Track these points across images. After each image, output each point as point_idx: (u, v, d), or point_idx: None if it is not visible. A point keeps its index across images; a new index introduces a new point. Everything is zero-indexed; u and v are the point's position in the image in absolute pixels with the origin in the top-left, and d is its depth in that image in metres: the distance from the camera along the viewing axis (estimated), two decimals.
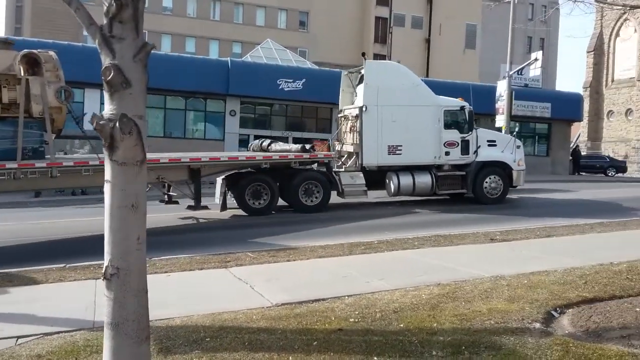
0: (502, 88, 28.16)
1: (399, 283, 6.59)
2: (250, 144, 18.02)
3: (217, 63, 26.87)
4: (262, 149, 15.70)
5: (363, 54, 16.75)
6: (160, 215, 12.86)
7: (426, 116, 15.38)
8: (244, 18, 47.23)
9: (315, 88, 26.52)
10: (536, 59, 29.32)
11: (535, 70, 30.57)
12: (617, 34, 47.21)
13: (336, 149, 16.66)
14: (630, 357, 4.08)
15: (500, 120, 27.25)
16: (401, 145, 15.15)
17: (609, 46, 47.56)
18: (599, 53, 48.20)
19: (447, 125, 15.53)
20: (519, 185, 16.46)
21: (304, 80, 27.04)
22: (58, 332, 5.03)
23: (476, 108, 31.84)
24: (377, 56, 46.80)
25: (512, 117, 27.84)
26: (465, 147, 15.63)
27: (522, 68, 30.25)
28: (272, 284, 6.69)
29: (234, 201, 13.76)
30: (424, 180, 15.20)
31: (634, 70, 44.70)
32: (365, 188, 14.89)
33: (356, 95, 16.28)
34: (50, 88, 10.83)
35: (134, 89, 3.01)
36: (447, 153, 15.47)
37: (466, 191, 15.79)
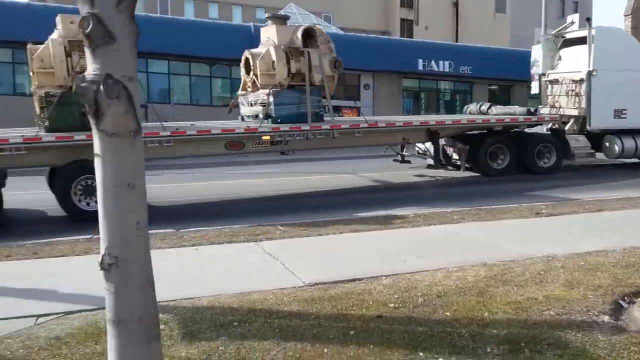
0: (537, 53, 26.87)
1: (440, 262, 6.03)
2: (466, 107, 18.31)
3: (240, 28, 26.11)
4: (480, 112, 16.24)
5: (588, 19, 16.57)
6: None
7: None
8: None
9: (342, 54, 25.58)
10: (572, 22, 27.75)
11: (571, 35, 29.09)
12: None
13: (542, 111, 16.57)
14: None
15: (536, 87, 26.06)
16: (626, 109, 15.50)
17: None
18: (637, 16, 45.85)
19: None
20: None
21: None
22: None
23: (510, 74, 30.90)
24: (403, 21, 45.35)
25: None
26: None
27: (559, 31, 28.78)
28: (304, 261, 6.22)
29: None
30: None
31: None
32: (592, 150, 15.66)
33: (560, 59, 17.04)
34: (325, 59, 12.14)
35: (120, 44, 2.45)
36: None
37: None
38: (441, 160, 14.27)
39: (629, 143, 15.37)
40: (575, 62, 16.10)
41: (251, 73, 12.31)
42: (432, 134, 13.66)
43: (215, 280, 5.55)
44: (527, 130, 15.22)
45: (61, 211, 9.58)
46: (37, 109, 10.32)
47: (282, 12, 34.59)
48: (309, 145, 12.45)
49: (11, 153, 9.08)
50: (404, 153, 15.70)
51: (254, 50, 12.48)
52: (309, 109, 11.86)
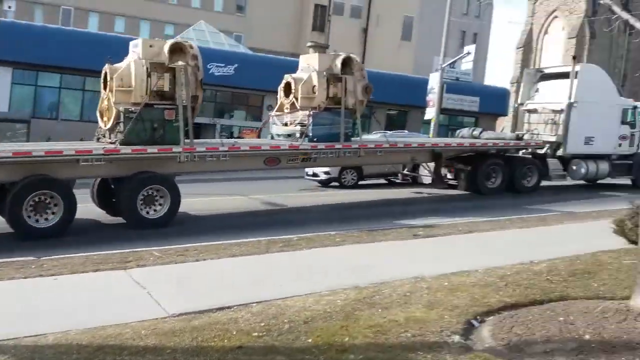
0: (434, 81, 28.24)
1: (315, 286, 6.08)
2: (459, 132, 19.81)
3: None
4: (473, 137, 17.64)
5: (574, 57, 18.97)
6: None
7: (612, 113, 17.86)
8: None
9: (248, 74, 25.57)
10: (468, 53, 29.58)
11: (467, 64, 30.85)
12: (546, 32, 48.70)
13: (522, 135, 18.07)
14: None
15: (430, 113, 27.31)
16: (594, 137, 17.41)
17: (537, 43, 48.96)
18: (528, 49, 49.56)
19: (623, 122, 18.14)
20: None
21: (236, 65, 26.04)
22: None
23: (408, 100, 32.20)
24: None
25: (441, 110, 27.99)
26: (632, 140, 18.46)
27: (455, 61, 30.42)
28: (174, 289, 6.02)
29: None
30: (604, 167, 17.73)
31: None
32: (565, 172, 17.65)
33: (537, 91, 18.96)
34: (358, 85, 13.48)
35: None
36: (619, 145, 18.12)
37: (633, 177, 18.63)
38: (442, 178, 15.68)
39: (592, 167, 17.49)
40: (553, 94, 17.89)
41: (291, 96, 13.47)
42: (436, 155, 15.04)
43: (68, 314, 5.19)
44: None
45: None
46: (103, 124, 11.25)
47: (192, 29, 34.19)
48: (337, 162, 14.54)
49: (91, 164, 9.90)
50: (406, 172, 17.69)
51: (295, 75, 13.72)
52: (342, 129, 13.14)
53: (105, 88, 11.06)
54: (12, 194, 9.12)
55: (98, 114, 11.55)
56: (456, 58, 31.60)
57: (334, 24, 46.42)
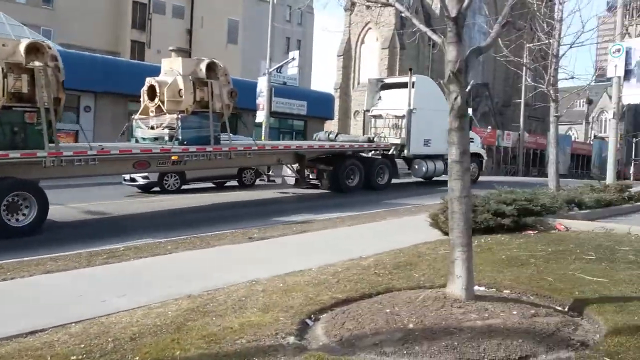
0: (262, 84, 28.57)
1: (144, 299, 5.67)
2: (316, 135, 21.69)
3: None
4: (329, 140, 19.61)
5: (410, 69, 20.20)
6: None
7: (443, 118, 20.16)
8: None
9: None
10: (293, 58, 30.55)
11: (292, 69, 31.83)
12: (363, 41, 52.10)
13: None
14: None
15: (261, 116, 27.58)
16: (430, 140, 19.74)
17: (355, 51, 52.20)
18: (348, 57, 52.61)
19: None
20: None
21: None
22: None
23: (239, 103, 32.01)
24: (135, 43, 44.02)
25: (271, 114, 28.39)
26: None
27: (281, 66, 31.18)
28: None
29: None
30: (440, 166, 20.18)
31: (376, 75, 49.83)
32: (410, 171, 20.08)
33: (380, 99, 21.18)
34: (224, 89, 13.98)
35: None
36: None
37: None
38: (305, 178, 17.28)
39: (431, 166, 20.17)
40: (394, 101, 20.29)
41: (156, 99, 13.56)
42: (299, 157, 16.24)
43: None
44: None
45: None
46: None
47: None
48: (208, 165, 14.41)
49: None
50: (270, 174, 19.13)
51: (159, 79, 13.86)
52: (212, 132, 13.54)
53: None
54: None
55: None
56: (282, 63, 32.41)
57: (155, 23, 44.67)
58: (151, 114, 13.80)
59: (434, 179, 21.38)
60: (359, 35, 51.94)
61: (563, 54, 12.66)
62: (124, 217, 12.50)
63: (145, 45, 44.50)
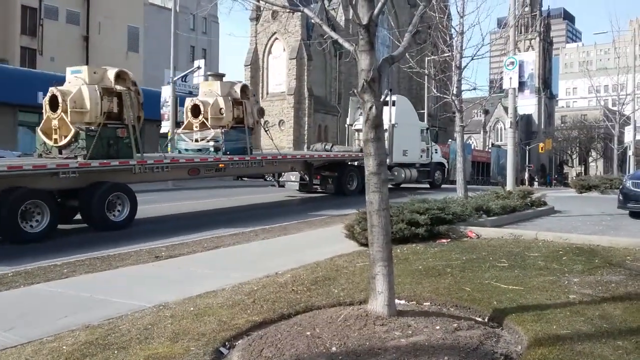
0: (166, 94, 27.61)
1: (35, 332, 5.01)
2: (313, 146, 25.96)
3: None
4: (325, 150, 22.45)
5: (390, 90, 22.41)
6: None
7: (416, 131, 24.06)
8: None
9: None
10: (199, 67, 29.71)
11: (198, 78, 30.89)
12: (270, 52, 52.02)
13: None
14: None
15: (166, 126, 26.61)
16: (407, 150, 23.00)
17: (263, 62, 52.01)
18: (255, 67, 52.32)
19: (422, 138, 24.67)
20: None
21: None
22: None
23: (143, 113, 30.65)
24: (25, 49, 41.14)
25: (177, 124, 27.46)
26: (428, 153, 25.33)
27: (186, 75, 30.26)
28: None
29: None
30: (415, 173, 23.90)
31: (284, 85, 49.86)
32: (392, 177, 22.77)
33: (361, 114, 21.95)
34: (254, 108, 17.14)
35: None
36: (421, 156, 24.62)
37: (430, 180, 25.87)
38: (312, 184, 19.69)
39: (408, 172, 23.34)
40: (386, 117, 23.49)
41: (200, 116, 16.33)
42: (308, 165, 18.99)
43: None
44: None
45: None
46: (53, 141, 12.36)
47: None
48: (244, 171, 17.96)
49: (67, 176, 11.40)
50: (280, 180, 21.00)
51: (202, 99, 16.60)
52: (248, 144, 16.50)
53: (53, 109, 12.18)
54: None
55: (41, 133, 12.56)
56: (187, 72, 31.46)
57: (48, 28, 41.96)
58: (195, 129, 16.44)
59: (402, 185, 24.30)
60: (266, 45, 51.82)
61: (465, 66, 13.08)
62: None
63: (37, 52, 41.65)
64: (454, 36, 13.98)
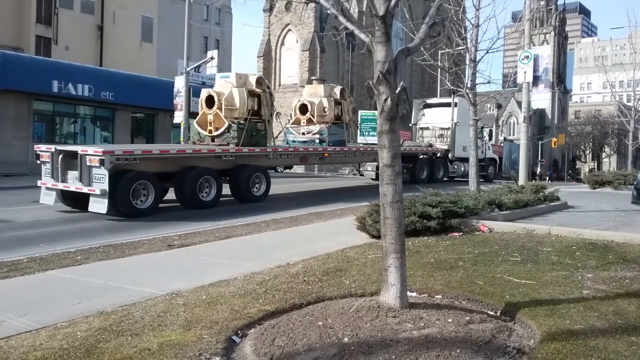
0: (180, 84, 27.64)
1: (49, 318, 5.07)
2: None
3: None
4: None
5: (453, 92, 23.48)
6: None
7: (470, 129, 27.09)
8: None
9: None
10: (212, 57, 29.73)
11: (211, 69, 30.90)
12: (283, 43, 51.88)
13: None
14: None
15: (179, 117, 26.67)
16: (466, 146, 22.60)
17: (276, 53, 51.89)
18: (268, 59, 52.21)
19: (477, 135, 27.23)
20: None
21: None
22: None
23: (155, 103, 30.91)
24: (40, 38, 41.38)
25: (190, 114, 27.52)
26: (483, 149, 27.02)
27: (199, 65, 30.25)
28: None
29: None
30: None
31: (297, 77, 49.74)
32: (454, 170, 26.85)
33: (424, 115, 28.70)
34: (350, 107, 20.82)
35: None
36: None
37: (484, 174, 27.21)
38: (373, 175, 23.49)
39: (466, 166, 23.19)
40: (438, 117, 27.61)
41: (307, 113, 19.62)
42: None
43: None
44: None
45: None
46: (208, 132, 15.90)
47: None
48: (343, 160, 23.00)
49: (225, 159, 14.82)
50: (360, 170, 26.39)
51: (310, 99, 19.85)
52: (347, 138, 20.39)
53: (209, 107, 15.69)
54: (189, 179, 13.46)
55: (196, 125, 16.24)
56: (200, 62, 31.46)
57: (63, 17, 42.12)
58: (302, 124, 19.57)
59: (456, 179, 26.93)
60: (279, 36, 51.68)
61: (480, 59, 12.98)
62: (32, 224, 11.47)
63: (52, 41, 41.87)
64: (468, 29, 13.85)
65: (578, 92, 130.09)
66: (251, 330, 4.66)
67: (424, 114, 28.82)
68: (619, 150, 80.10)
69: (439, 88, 40.77)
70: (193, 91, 27.50)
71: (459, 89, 13.39)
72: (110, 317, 5.07)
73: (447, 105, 27.41)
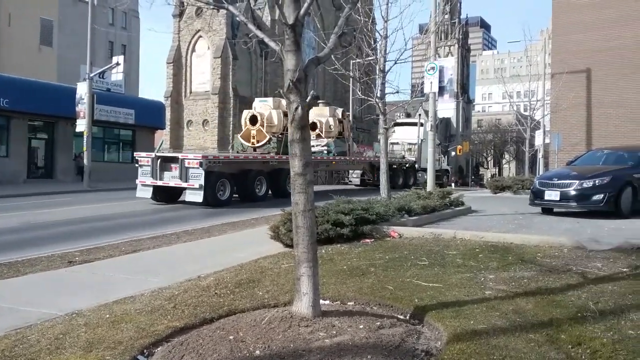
0: (82, 90, 26.39)
1: None
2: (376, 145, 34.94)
3: None
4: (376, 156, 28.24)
5: (419, 114, 31.11)
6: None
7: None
8: None
9: None
10: (118, 63, 28.59)
11: (117, 75, 29.75)
12: (194, 50, 50.82)
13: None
14: None
15: (82, 125, 25.45)
16: (427, 158, 25.11)
17: (186, 59, 50.69)
18: (178, 65, 50.91)
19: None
20: None
21: None
22: None
23: (55, 110, 29.27)
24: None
25: (94, 122, 26.33)
26: (440, 162, 32.02)
27: (104, 71, 29.02)
28: None
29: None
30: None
31: (209, 84, 48.91)
32: (419, 178, 31.21)
33: (394, 132, 35.66)
34: (348, 125, 27.25)
35: None
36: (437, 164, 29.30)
37: (440, 182, 30.63)
38: (374, 180, 26.65)
39: (425, 176, 26.00)
40: (405, 134, 35.64)
41: (317, 130, 24.16)
42: (372, 165, 27.72)
43: None
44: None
45: None
46: (250, 143, 21.38)
47: None
48: (344, 167, 28.82)
49: (273, 164, 20.13)
50: (363, 178, 30.24)
51: (317, 119, 24.36)
52: (347, 149, 26.06)
53: (253, 124, 20.92)
54: (250, 178, 18.70)
55: (240, 138, 21.66)
56: (105, 68, 30.17)
57: None
58: (312, 139, 20.40)
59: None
60: (190, 42, 50.59)
61: (389, 69, 13.35)
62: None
63: None
64: (378, 40, 14.22)
65: (480, 102, 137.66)
66: (158, 349, 4.46)
67: (394, 130, 35.12)
68: (518, 157, 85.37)
69: (351, 97, 41.60)
70: (97, 98, 26.30)
71: (369, 99, 13.69)
72: (3, 341, 4.68)
73: (414, 124, 33.90)
